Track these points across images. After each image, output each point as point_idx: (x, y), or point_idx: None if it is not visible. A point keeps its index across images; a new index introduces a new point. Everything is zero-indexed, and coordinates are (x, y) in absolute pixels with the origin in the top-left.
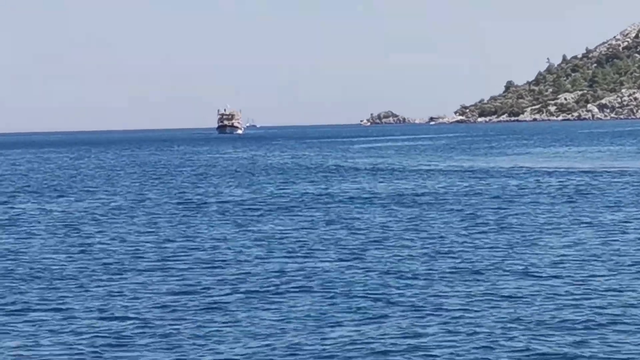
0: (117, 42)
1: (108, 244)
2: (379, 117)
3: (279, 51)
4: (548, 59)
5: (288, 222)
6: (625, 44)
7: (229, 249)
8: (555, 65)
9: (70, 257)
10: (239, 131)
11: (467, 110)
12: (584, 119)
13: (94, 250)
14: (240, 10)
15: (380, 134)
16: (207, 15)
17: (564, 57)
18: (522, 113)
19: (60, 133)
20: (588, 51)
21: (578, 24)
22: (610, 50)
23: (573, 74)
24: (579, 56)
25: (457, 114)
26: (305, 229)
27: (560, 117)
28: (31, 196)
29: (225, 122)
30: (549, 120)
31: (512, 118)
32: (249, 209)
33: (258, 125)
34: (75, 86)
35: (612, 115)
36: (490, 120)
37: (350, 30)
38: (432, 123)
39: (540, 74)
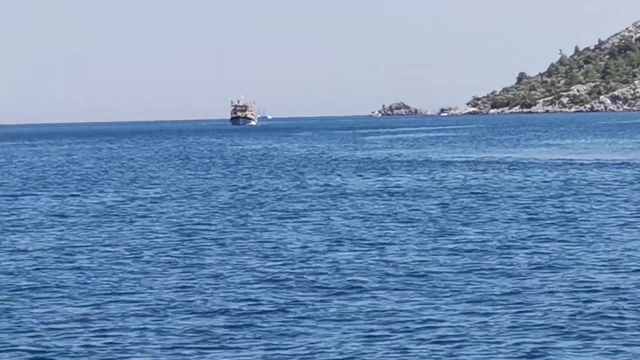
0: (124, 30)
1: (172, 235)
2: (390, 108)
3: (287, 43)
4: (560, 50)
5: (358, 214)
6: (638, 35)
7: (304, 245)
8: (568, 57)
9: (146, 245)
10: (253, 123)
11: (480, 102)
12: (597, 110)
13: (160, 241)
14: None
15: (402, 125)
16: (215, 7)
17: (576, 49)
18: (535, 105)
19: (61, 125)
20: (600, 42)
21: (590, 14)
22: (623, 41)
23: (585, 66)
24: (592, 47)
25: (470, 105)
26: (374, 222)
27: (572, 109)
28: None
29: (239, 114)
30: (561, 112)
31: (525, 110)
32: (319, 201)
33: (270, 117)
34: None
35: (625, 107)
36: (502, 111)
37: (360, 21)
38: (444, 114)
39: (552, 65)
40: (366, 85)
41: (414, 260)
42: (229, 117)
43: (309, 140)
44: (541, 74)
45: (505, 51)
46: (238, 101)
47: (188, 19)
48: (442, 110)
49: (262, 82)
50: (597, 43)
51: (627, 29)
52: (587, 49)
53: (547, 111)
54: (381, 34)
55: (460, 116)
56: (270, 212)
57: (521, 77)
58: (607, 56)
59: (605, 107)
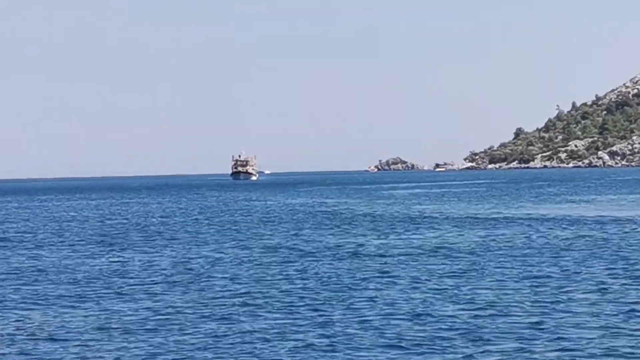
0: (124, 85)
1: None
2: (387, 163)
3: (282, 100)
4: (557, 105)
5: (416, 271)
6: (635, 91)
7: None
8: (565, 112)
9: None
10: (254, 178)
11: (477, 157)
12: (595, 166)
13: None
14: (246, 61)
15: (405, 180)
16: (213, 63)
17: (574, 104)
18: (533, 160)
19: (59, 179)
20: (598, 98)
21: (587, 70)
22: (620, 97)
23: (583, 121)
24: (589, 103)
25: (467, 160)
26: (426, 278)
27: (570, 164)
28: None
29: (240, 169)
30: (559, 167)
31: (523, 165)
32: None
33: (267, 172)
34: (80, 129)
35: (623, 162)
36: (500, 167)
37: (356, 76)
38: (439, 170)
39: (550, 120)
40: (359, 140)
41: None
42: (228, 171)
43: (337, 195)
44: (538, 129)
45: (502, 106)
46: (239, 156)
47: (185, 70)
48: (437, 165)
49: (257, 137)
50: (594, 99)
51: (624, 84)
52: (585, 104)
53: (544, 166)
54: (376, 87)
55: (458, 171)
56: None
57: (518, 133)
58: (605, 112)
59: (604, 163)
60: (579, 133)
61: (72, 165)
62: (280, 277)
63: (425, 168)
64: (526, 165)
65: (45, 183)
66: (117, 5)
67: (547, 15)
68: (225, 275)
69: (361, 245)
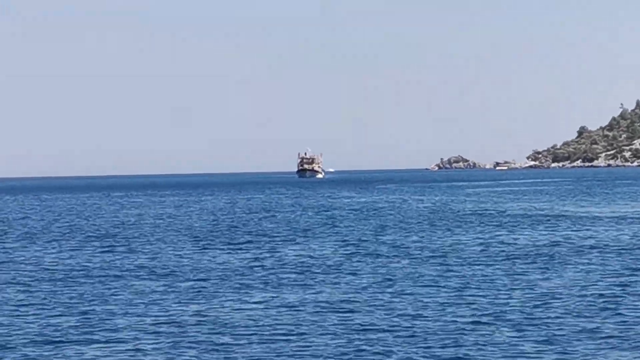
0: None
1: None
2: (449, 161)
3: (342, 99)
4: (622, 104)
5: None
6: None
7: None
8: (629, 111)
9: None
10: (320, 175)
11: (540, 156)
12: None
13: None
14: (307, 63)
15: (475, 179)
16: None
17: (638, 103)
18: (597, 159)
19: (134, 176)
20: None
21: None
22: None
23: None
24: None
25: (530, 159)
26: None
27: (635, 163)
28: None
29: (306, 166)
30: (623, 166)
31: (587, 164)
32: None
33: (332, 170)
34: (146, 128)
35: None
36: (563, 165)
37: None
38: (500, 169)
39: (613, 119)
40: (417, 139)
41: None
42: (292, 169)
43: (425, 193)
44: (602, 128)
45: (565, 104)
46: (305, 153)
47: (253, 71)
48: (497, 164)
49: (318, 135)
50: None
51: None
52: None
53: (609, 165)
54: (435, 86)
55: (521, 170)
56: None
57: (582, 131)
58: None
59: None
60: None
61: (136, 163)
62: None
63: (487, 167)
64: (590, 164)
65: (105, 180)
66: None
67: (609, 13)
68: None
69: (516, 240)
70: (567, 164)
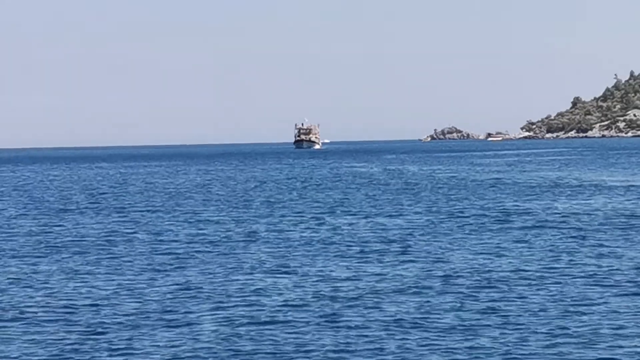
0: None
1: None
2: (442, 132)
3: (334, 70)
4: (615, 75)
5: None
6: None
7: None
8: (623, 82)
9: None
10: (317, 146)
11: (535, 126)
12: None
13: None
14: (295, 32)
15: (472, 149)
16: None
17: (632, 73)
18: (591, 129)
19: (138, 147)
20: None
21: None
22: None
23: None
24: None
25: (524, 129)
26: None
27: (630, 134)
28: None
29: (303, 137)
30: (618, 137)
31: (581, 134)
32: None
33: (327, 141)
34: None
35: None
36: (557, 136)
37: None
38: (492, 139)
39: (607, 90)
40: (410, 109)
41: None
42: (289, 140)
43: (442, 163)
44: (596, 99)
45: (559, 75)
46: (302, 124)
47: (248, 43)
48: (489, 135)
49: (310, 104)
50: None
51: None
52: None
53: (603, 136)
54: (429, 57)
55: (515, 140)
56: None
57: (576, 102)
58: None
59: None
60: (638, 102)
61: (126, 133)
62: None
63: (481, 137)
64: (584, 135)
65: (102, 151)
66: None
67: None
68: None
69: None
70: (561, 134)
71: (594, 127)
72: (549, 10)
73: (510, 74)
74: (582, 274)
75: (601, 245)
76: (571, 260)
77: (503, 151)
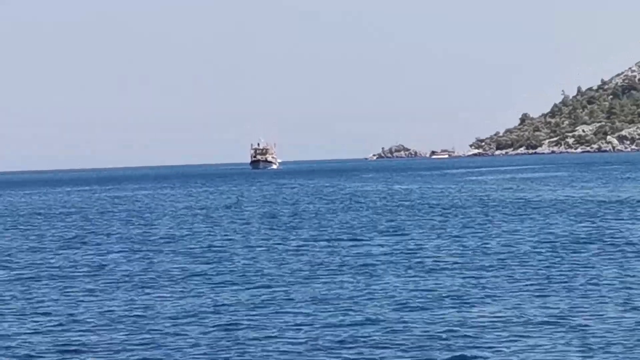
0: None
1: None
2: (390, 151)
3: (280, 87)
4: (563, 90)
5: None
6: None
7: None
8: (571, 97)
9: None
10: (274, 166)
11: (484, 143)
12: (605, 150)
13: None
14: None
15: (450, 167)
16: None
17: (579, 89)
18: (540, 145)
19: (84, 170)
20: (603, 83)
21: (592, 55)
22: (626, 81)
23: (589, 106)
24: (595, 88)
25: (473, 146)
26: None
27: (579, 149)
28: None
29: (259, 157)
30: (567, 152)
31: (530, 151)
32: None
33: (279, 161)
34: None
35: (633, 147)
36: (507, 153)
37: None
38: (437, 157)
39: (555, 105)
40: (354, 129)
41: None
42: (244, 160)
43: (431, 182)
44: (544, 115)
45: (506, 92)
46: (258, 144)
47: (197, 61)
48: (433, 153)
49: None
50: (600, 83)
51: (630, 69)
52: (590, 89)
53: (552, 152)
54: (377, 76)
55: (464, 157)
56: None
57: (524, 118)
58: (611, 96)
59: (613, 148)
60: (586, 118)
61: (83, 157)
62: None
63: (428, 156)
64: (534, 151)
65: (88, 174)
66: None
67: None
68: None
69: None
70: (510, 151)
71: (543, 143)
72: (497, 28)
73: (460, 91)
74: None
75: None
76: None
77: (449, 170)
